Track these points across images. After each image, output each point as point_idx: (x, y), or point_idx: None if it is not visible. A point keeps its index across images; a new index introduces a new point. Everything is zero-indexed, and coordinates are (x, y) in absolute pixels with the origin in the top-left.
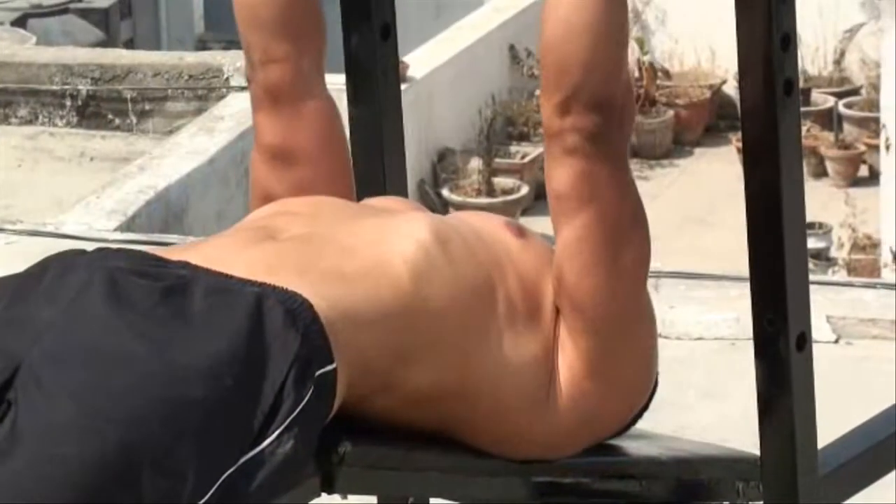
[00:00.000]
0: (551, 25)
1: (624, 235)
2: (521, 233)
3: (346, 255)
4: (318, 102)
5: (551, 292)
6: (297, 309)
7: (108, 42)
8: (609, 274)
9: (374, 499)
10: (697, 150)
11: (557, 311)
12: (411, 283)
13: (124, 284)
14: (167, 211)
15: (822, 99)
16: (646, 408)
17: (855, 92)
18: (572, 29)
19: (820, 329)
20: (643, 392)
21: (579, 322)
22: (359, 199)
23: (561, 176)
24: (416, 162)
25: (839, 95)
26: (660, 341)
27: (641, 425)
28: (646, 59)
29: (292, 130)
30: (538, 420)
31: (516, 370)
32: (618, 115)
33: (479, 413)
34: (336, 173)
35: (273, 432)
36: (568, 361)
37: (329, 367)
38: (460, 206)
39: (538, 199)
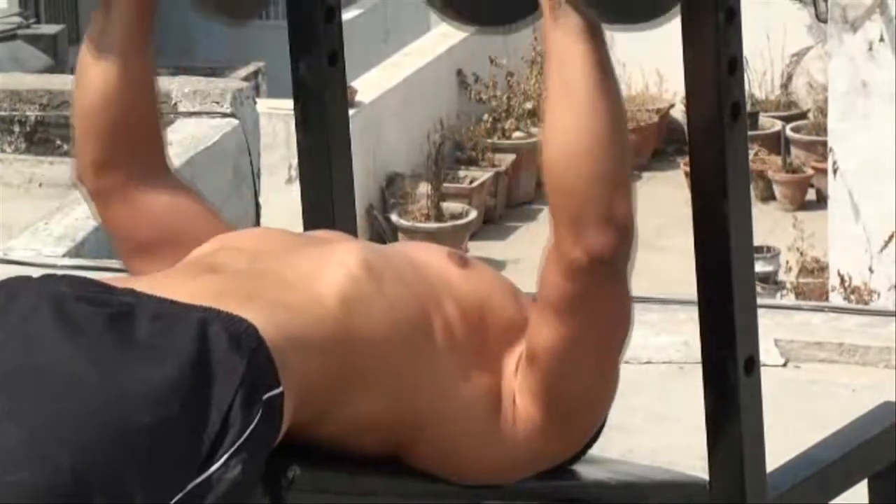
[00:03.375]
0: (552, 151)
1: (612, 342)
2: (463, 262)
3: (286, 287)
4: (159, 196)
5: (498, 320)
6: (242, 333)
7: (57, 68)
8: (588, 375)
9: None
10: (646, 175)
11: (508, 342)
12: (343, 312)
13: (71, 310)
14: None
15: (769, 123)
16: (595, 438)
17: (802, 116)
18: (573, 154)
19: (768, 352)
20: (595, 428)
21: (542, 390)
22: (306, 225)
23: (562, 289)
24: (364, 187)
25: (786, 119)
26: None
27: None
28: None
29: (139, 226)
30: (485, 447)
31: (459, 396)
32: (626, 232)
33: (424, 439)
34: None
35: (221, 457)
36: (523, 402)
37: (276, 391)
38: (409, 231)
39: (486, 224)
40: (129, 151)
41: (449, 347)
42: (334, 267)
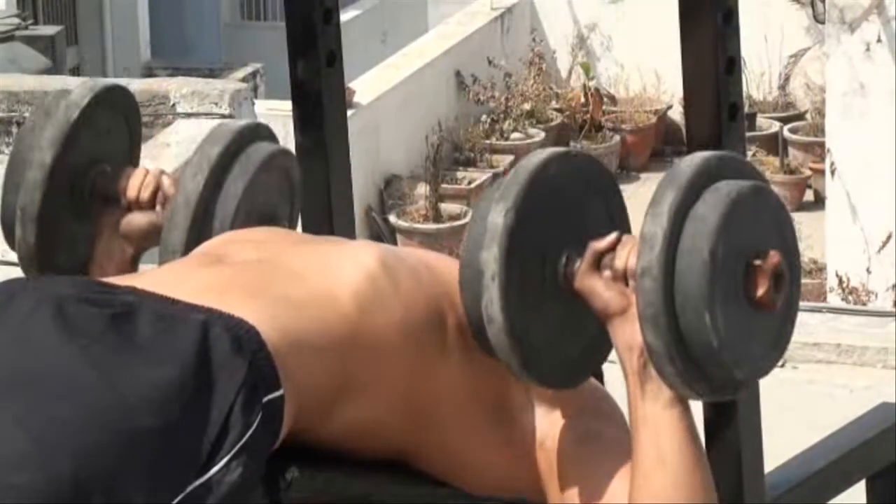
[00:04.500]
0: None
1: None
2: None
3: (294, 280)
4: None
5: None
6: (243, 336)
7: (55, 69)
8: None
9: None
10: (643, 175)
11: None
12: (357, 310)
13: (71, 311)
14: None
15: (767, 124)
16: None
17: (800, 117)
18: None
19: None
20: None
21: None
22: (304, 225)
23: None
24: (362, 188)
25: (784, 120)
26: (605, 366)
27: None
28: (592, 84)
29: None
30: (491, 454)
31: (468, 401)
32: None
33: (430, 442)
34: None
35: (221, 459)
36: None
37: (276, 394)
38: (407, 232)
39: None
40: None
41: (460, 350)
42: (350, 263)
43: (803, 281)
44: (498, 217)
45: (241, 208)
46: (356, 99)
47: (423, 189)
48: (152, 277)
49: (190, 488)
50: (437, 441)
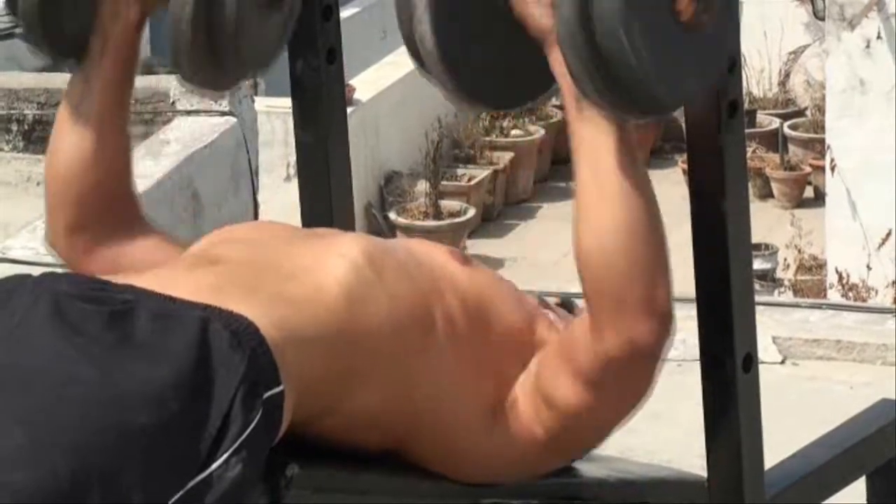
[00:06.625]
0: (589, 244)
1: (630, 410)
2: (465, 261)
3: (287, 280)
4: (134, 247)
5: (500, 318)
6: (242, 331)
7: (54, 67)
8: (598, 429)
9: None
10: None
11: (511, 342)
12: (346, 304)
13: (69, 309)
14: None
15: (767, 120)
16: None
17: (800, 113)
18: (611, 248)
19: (766, 350)
20: (596, 445)
21: (549, 427)
22: (304, 222)
23: (596, 365)
24: (362, 185)
25: (784, 117)
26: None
27: None
28: None
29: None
30: (483, 443)
31: (459, 391)
32: (667, 320)
33: (422, 433)
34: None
35: (221, 456)
36: (528, 417)
37: (277, 390)
38: (407, 229)
39: (485, 222)
40: (103, 214)
41: (450, 340)
42: (335, 258)
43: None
44: None
45: None
46: (356, 96)
47: (423, 186)
48: (149, 278)
49: (190, 485)
50: (435, 428)
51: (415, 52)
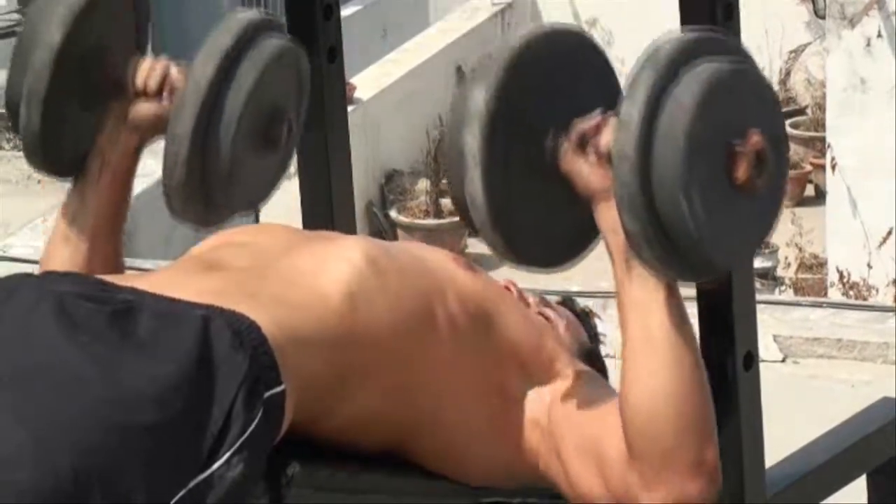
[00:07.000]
0: (638, 400)
1: None
2: (468, 265)
3: (288, 284)
4: None
5: (503, 322)
6: (244, 331)
7: None
8: None
9: None
10: None
11: (513, 347)
12: (348, 305)
13: (72, 308)
14: None
15: None
16: None
17: (801, 112)
18: (661, 406)
19: (767, 348)
20: None
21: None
22: (305, 221)
23: None
24: (363, 184)
25: (785, 115)
26: (607, 361)
27: None
28: None
29: None
30: (484, 447)
31: (461, 393)
32: (715, 478)
33: (424, 435)
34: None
35: (222, 455)
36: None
37: (278, 389)
38: (408, 228)
39: None
40: None
41: (451, 342)
42: (338, 262)
43: (804, 276)
44: (479, 95)
45: (250, 102)
46: (357, 94)
47: (423, 184)
48: (150, 280)
49: (191, 484)
50: (436, 430)
51: (463, 210)
